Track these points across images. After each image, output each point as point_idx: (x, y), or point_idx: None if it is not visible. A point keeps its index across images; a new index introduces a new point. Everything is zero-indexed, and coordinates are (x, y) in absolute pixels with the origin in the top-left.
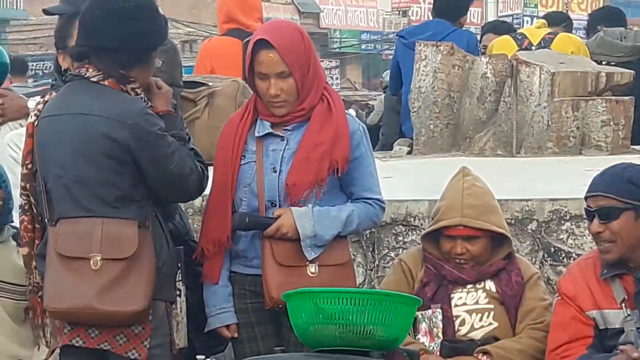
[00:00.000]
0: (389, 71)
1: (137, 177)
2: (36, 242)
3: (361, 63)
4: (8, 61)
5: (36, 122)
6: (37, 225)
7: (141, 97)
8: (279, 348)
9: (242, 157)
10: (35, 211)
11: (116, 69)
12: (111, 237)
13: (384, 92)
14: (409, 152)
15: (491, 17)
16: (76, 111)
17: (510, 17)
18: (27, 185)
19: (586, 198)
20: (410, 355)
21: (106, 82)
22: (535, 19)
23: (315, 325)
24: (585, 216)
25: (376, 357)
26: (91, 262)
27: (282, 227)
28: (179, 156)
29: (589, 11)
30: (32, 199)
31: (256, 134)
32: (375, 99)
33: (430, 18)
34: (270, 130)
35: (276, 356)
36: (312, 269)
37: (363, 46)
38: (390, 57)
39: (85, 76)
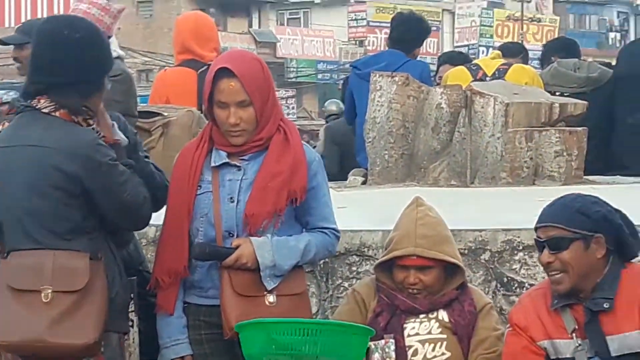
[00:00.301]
0: (332, 100)
1: (87, 208)
2: None
3: (317, 92)
4: None
5: None
6: None
7: (92, 128)
8: None
9: (198, 187)
10: None
11: (75, 100)
12: (62, 270)
13: (326, 122)
14: (364, 182)
15: (447, 47)
16: (28, 143)
17: (466, 48)
18: None
19: (536, 229)
20: None
21: (57, 114)
22: (490, 49)
23: (269, 356)
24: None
25: None
26: (42, 294)
27: (241, 257)
28: (131, 184)
29: (544, 42)
30: None
31: (212, 164)
32: None
33: (386, 48)
34: (227, 160)
35: None
36: (270, 298)
37: (319, 76)
38: None
39: (37, 107)
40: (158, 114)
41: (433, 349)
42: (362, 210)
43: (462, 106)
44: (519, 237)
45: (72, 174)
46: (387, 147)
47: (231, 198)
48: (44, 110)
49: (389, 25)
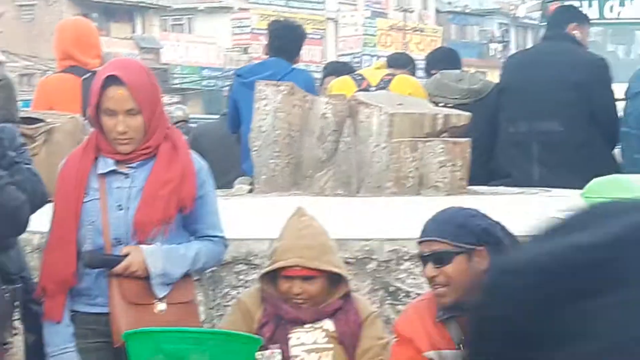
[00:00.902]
0: (177, 107)
1: None
2: None
3: (202, 99)
4: None
5: None
6: None
7: None
8: None
9: (85, 195)
10: None
11: None
12: None
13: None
14: (250, 191)
15: (331, 56)
16: None
17: (350, 56)
18: None
19: (419, 242)
20: None
21: None
22: (375, 57)
23: None
24: None
25: None
26: None
27: (131, 265)
28: (9, 189)
29: (427, 52)
30: None
31: (99, 171)
32: None
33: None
34: (114, 168)
35: None
36: (159, 306)
37: (204, 82)
38: None
39: None
40: (41, 120)
41: (319, 359)
42: (248, 218)
43: (347, 116)
44: (405, 247)
45: None
46: (273, 155)
47: (119, 206)
48: None
49: None
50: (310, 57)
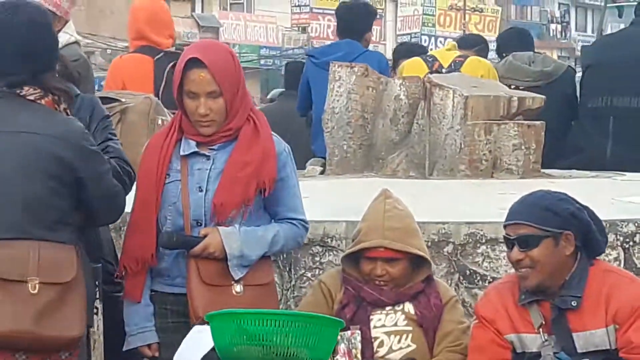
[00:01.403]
0: (277, 90)
1: (75, 199)
2: None
3: (260, 78)
4: None
5: None
6: None
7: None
8: None
9: (167, 176)
10: None
11: (58, 87)
12: (49, 261)
13: None
14: (322, 172)
15: (389, 35)
16: (16, 129)
17: (409, 36)
18: None
19: (505, 226)
20: None
21: (43, 102)
22: (433, 38)
23: (238, 346)
24: (501, 240)
25: None
26: (29, 285)
27: (209, 246)
28: (112, 172)
29: (486, 32)
30: None
31: (181, 153)
32: None
33: (330, 35)
34: (196, 149)
35: None
36: (237, 288)
37: (262, 61)
38: None
39: (22, 94)
40: (116, 100)
41: (399, 341)
42: (323, 200)
43: (420, 98)
44: (482, 230)
45: (67, 162)
46: (346, 137)
47: (200, 187)
48: (29, 97)
49: (332, 12)
50: None
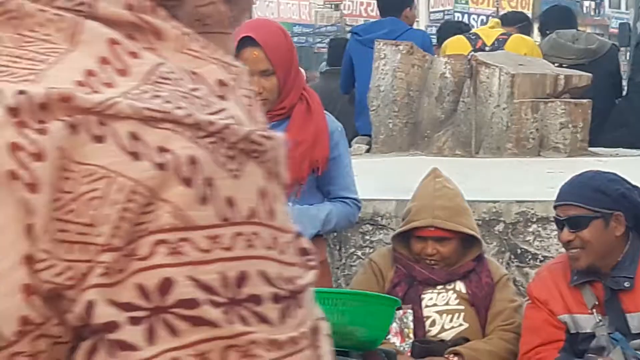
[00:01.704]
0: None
1: None
2: None
3: None
4: None
5: None
6: None
7: None
8: None
9: None
10: None
11: None
12: None
13: None
14: (368, 150)
15: (423, 13)
16: None
17: (442, 13)
18: None
19: (555, 207)
20: (387, 356)
21: None
22: (466, 15)
23: None
24: (551, 219)
25: (355, 358)
26: None
27: None
28: None
29: (519, 9)
30: None
31: None
32: None
33: (362, 12)
34: None
35: None
36: None
37: (295, 39)
38: (323, 50)
39: None
40: None
41: (451, 320)
42: (372, 178)
43: (466, 76)
44: (532, 208)
45: None
46: (392, 115)
47: None
48: None
49: None
50: None
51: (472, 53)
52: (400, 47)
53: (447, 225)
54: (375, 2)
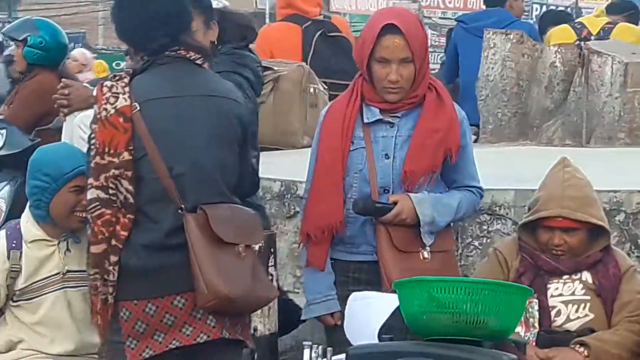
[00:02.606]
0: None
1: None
2: (122, 234)
3: None
4: (67, 42)
5: (136, 106)
6: (121, 218)
7: None
8: (388, 336)
9: (351, 143)
10: (124, 201)
11: (202, 50)
12: (245, 225)
13: None
14: (475, 140)
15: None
16: (202, 93)
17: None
18: (126, 173)
19: None
20: (518, 346)
21: (205, 65)
22: (544, 6)
23: (428, 314)
24: None
25: (487, 347)
26: (239, 248)
27: (401, 212)
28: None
29: None
30: (124, 187)
31: (365, 120)
32: None
33: (440, 4)
34: (380, 117)
35: (386, 344)
36: (425, 254)
37: None
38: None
39: (191, 58)
40: (269, 69)
41: (576, 310)
42: (486, 168)
43: (576, 65)
44: None
45: (245, 122)
46: (501, 105)
47: (386, 154)
48: (197, 62)
49: None
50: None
51: (584, 42)
52: (511, 36)
53: (575, 216)
54: None
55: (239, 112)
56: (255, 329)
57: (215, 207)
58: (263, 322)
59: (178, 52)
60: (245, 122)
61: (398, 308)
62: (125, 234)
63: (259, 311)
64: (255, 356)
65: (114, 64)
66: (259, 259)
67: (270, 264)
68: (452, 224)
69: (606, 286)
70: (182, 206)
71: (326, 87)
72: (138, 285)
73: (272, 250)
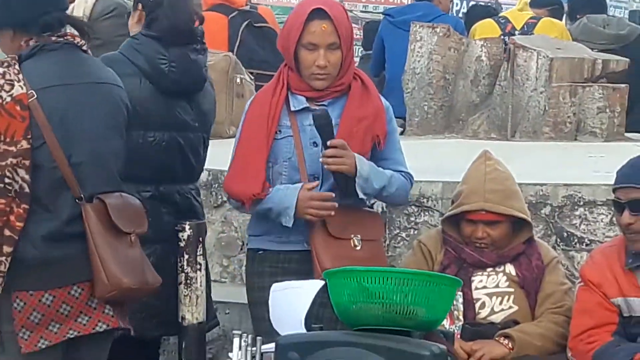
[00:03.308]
0: None
1: None
2: (17, 225)
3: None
4: None
5: (33, 94)
6: (15, 208)
7: None
8: (317, 326)
9: (278, 132)
10: (18, 191)
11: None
12: (135, 213)
13: None
14: (401, 133)
15: None
16: (93, 80)
17: None
18: (23, 162)
19: (614, 190)
20: (446, 336)
21: (89, 52)
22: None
23: (358, 304)
24: (599, 202)
25: (417, 337)
26: (131, 237)
27: (346, 153)
28: None
29: None
30: (20, 177)
31: (292, 109)
32: None
33: None
34: (307, 105)
35: (316, 334)
36: (355, 241)
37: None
38: None
39: (78, 44)
40: None
41: (500, 302)
42: (413, 160)
43: (502, 59)
44: (580, 192)
45: (130, 112)
46: (427, 98)
47: (314, 142)
48: (83, 48)
49: None
50: None
51: (508, 36)
52: (437, 30)
53: (498, 209)
54: None
55: (124, 97)
56: (183, 318)
57: (110, 196)
58: (191, 311)
59: (66, 37)
60: (129, 108)
61: (319, 295)
62: (21, 224)
63: (186, 300)
64: (183, 345)
65: None
66: (189, 248)
67: (199, 253)
68: (380, 212)
69: (529, 278)
70: (82, 195)
71: (252, 78)
72: (36, 276)
73: (200, 239)
